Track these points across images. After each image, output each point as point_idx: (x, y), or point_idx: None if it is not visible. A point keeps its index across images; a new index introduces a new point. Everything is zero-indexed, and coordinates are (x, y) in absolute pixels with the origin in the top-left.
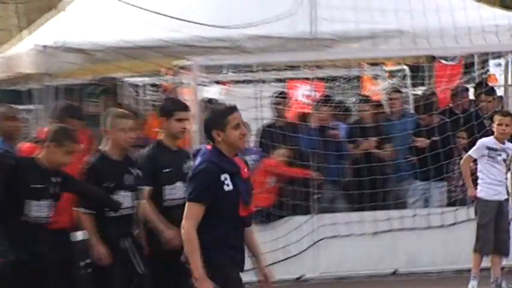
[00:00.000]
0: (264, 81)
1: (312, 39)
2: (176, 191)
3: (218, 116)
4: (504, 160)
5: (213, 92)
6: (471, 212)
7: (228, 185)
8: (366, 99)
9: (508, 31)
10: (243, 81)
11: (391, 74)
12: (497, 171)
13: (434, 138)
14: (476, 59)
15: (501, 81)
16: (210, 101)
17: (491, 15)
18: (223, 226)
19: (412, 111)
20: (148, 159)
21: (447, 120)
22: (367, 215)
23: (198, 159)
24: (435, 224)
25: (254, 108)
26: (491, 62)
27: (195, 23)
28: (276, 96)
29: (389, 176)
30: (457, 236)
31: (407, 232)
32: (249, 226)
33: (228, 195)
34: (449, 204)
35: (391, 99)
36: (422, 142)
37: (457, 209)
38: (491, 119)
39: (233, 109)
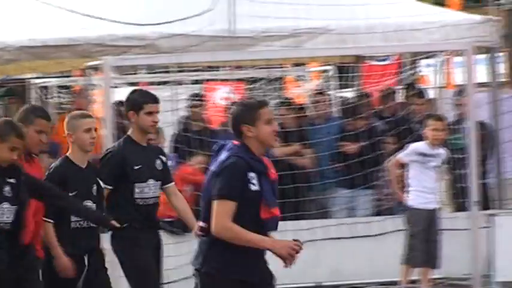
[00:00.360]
0: (180, 83)
1: (231, 38)
2: (149, 189)
3: (249, 110)
4: (436, 167)
5: (125, 94)
6: (399, 221)
7: (254, 185)
8: (288, 102)
9: (440, 29)
10: (159, 83)
11: (316, 75)
12: (428, 178)
13: (361, 144)
14: (406, 59)
15: (433, 82)
16: (121, 103)
17: (422, 11)
18: (243, 227)
19: (338, 114)
20: (116, 156)
21: (375, 124)
22: (289, 224)
23: (225, 154)
24: (361, 234)
25: (170, 112)
26: (423, 62)
27: (107, 20)
28: (193, 99)
29: (312, 184)
30: (384, 247)
31: (331, 242)
32: (274, 230)
33: (252, 195)
34: (376, 214)
35: (315, 101)
36: (350, 147)
37: (384, 219)
38: (421, 122)
39: (264, 103)
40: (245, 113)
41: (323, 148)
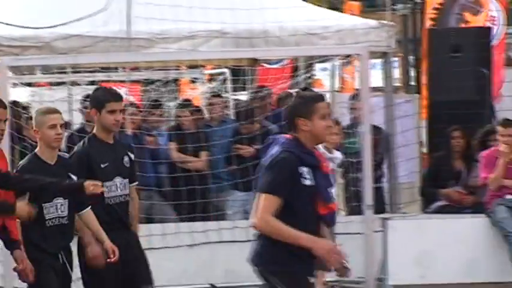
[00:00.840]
0: (76, 84)
1: (126, 39)
2: (116, 187)
3: (305, 103)
4: (331, 170)
5: (23, 95)
6: None
7: (306, 179)
8: (186, 104)
9: (335, 33)
10: (55, 84)
11: (211, 78)
12: None
13: (256, 147)
14: (301, 63)
15: (327, 86)
16: (14, 103)
17: (318, 16)
18: (299, 225)
19: (233, 117)
20: (82, 156)
21: (270, 127)
22: (183, 226)
23: (276, 148)
24: (255, 237)
25: (67, 112)
26: (318, 66)
27: (2, 23)
28: (84, 100)
29: (208, 186)
30: None
31: (226, 245)
32: (332, 226)
33: (305, 190)
34: None
35: (210, 104)
36: (245, 150)
37: None
38: None
39: (322, 98)
40: (302, 106)
41: (218, 150)
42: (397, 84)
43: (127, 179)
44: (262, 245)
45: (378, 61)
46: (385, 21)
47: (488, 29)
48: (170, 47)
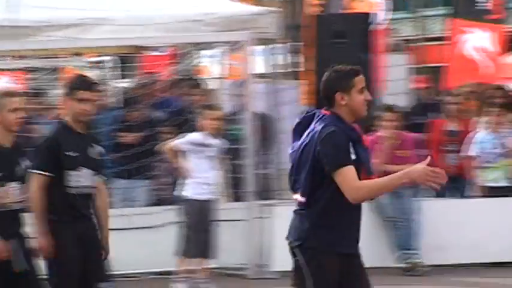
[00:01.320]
0: None
1: (10, 27)
2: (81, 177)
3: (344, 77)
4: (213, 157)
5: None
6: (177, 212)
7: (352, 153)
8: None
9: (220, 20)
10: None
11: (94, 65)
12: (204, 168)
13: (139, 134)
14: (185, 50)
15: (213, 73)
16: None
17: (203, 2)
18: (344, 201)
19: (116, 104)
20: (50, 141)
21: (153, 114)
22: None
23: (319, 124)
24: (138, 224)
25: None
26: (204, 53)
27: None
28: None
29: None
30: (162, 237)
31: (109, 233)
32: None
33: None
34: (154, 204)
35: None
36: (127, 137)
37: (161, 210)
38: (198, 113)
39: (359, 71)
40: (340, 80)
41: (101, 138)
42: (281, 70)
43: (94, 172)
44: (301, 223)
45: (263, 47)
46: (270, 8)
47: (368, 14)
48: (56, 35)
